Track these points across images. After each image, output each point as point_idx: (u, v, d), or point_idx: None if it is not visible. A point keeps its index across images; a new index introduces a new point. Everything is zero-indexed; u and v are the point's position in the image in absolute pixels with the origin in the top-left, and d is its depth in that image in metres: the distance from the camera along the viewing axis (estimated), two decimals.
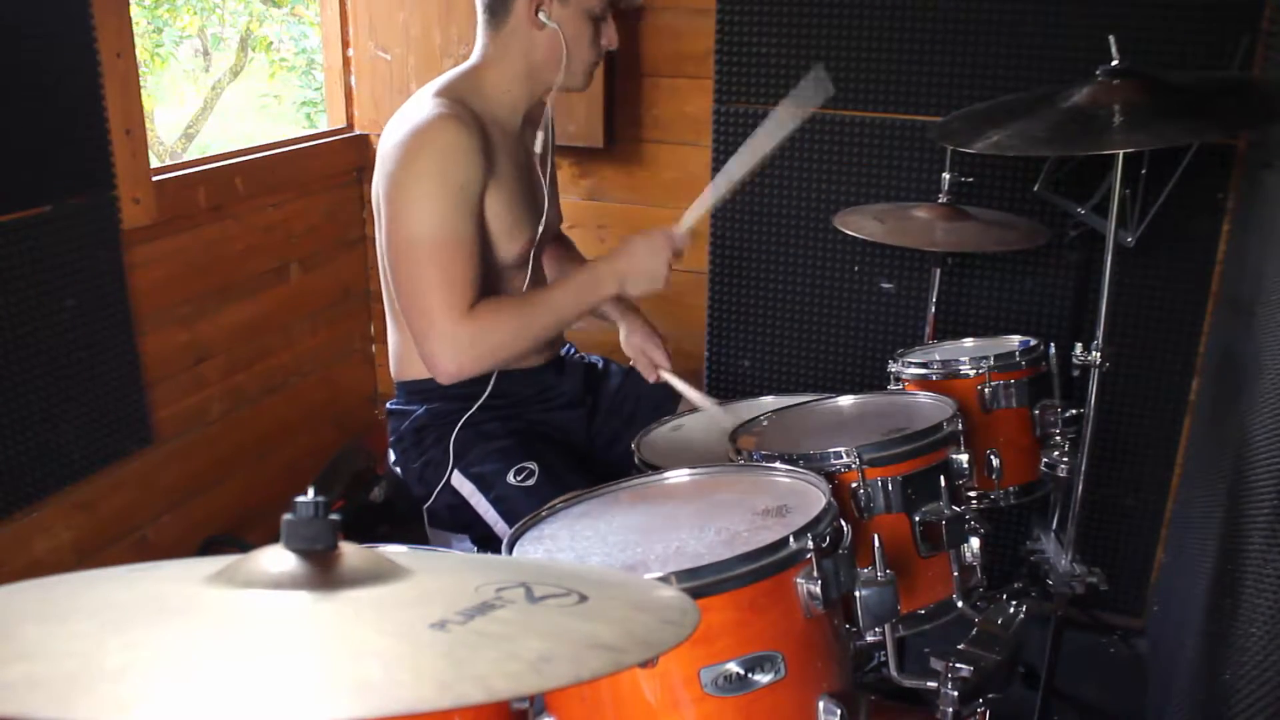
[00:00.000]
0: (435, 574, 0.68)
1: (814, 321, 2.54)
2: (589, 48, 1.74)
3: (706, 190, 1.81)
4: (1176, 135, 1.65)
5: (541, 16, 1.68)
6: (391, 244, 1.65)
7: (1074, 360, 1.71)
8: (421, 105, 1.66)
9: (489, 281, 1.70)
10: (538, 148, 1.85)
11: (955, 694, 1.13)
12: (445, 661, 0.53)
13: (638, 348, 1.98)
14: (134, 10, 2.16)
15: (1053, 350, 1.76)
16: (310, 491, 0.64)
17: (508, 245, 1.75)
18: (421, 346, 1.64)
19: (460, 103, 1.67)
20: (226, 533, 2.47)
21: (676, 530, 1.10)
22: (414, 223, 1.61)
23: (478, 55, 1.76)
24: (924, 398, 1.56)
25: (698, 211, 1.78)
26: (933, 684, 1.15)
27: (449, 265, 1.60)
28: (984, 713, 1.20)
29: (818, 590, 0.98)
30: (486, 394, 1.79)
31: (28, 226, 1.88)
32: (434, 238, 1.60)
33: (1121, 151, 1.63)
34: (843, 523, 1.08)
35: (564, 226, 2.08)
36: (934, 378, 1.69)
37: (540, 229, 1.83)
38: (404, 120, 1.66)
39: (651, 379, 1.97)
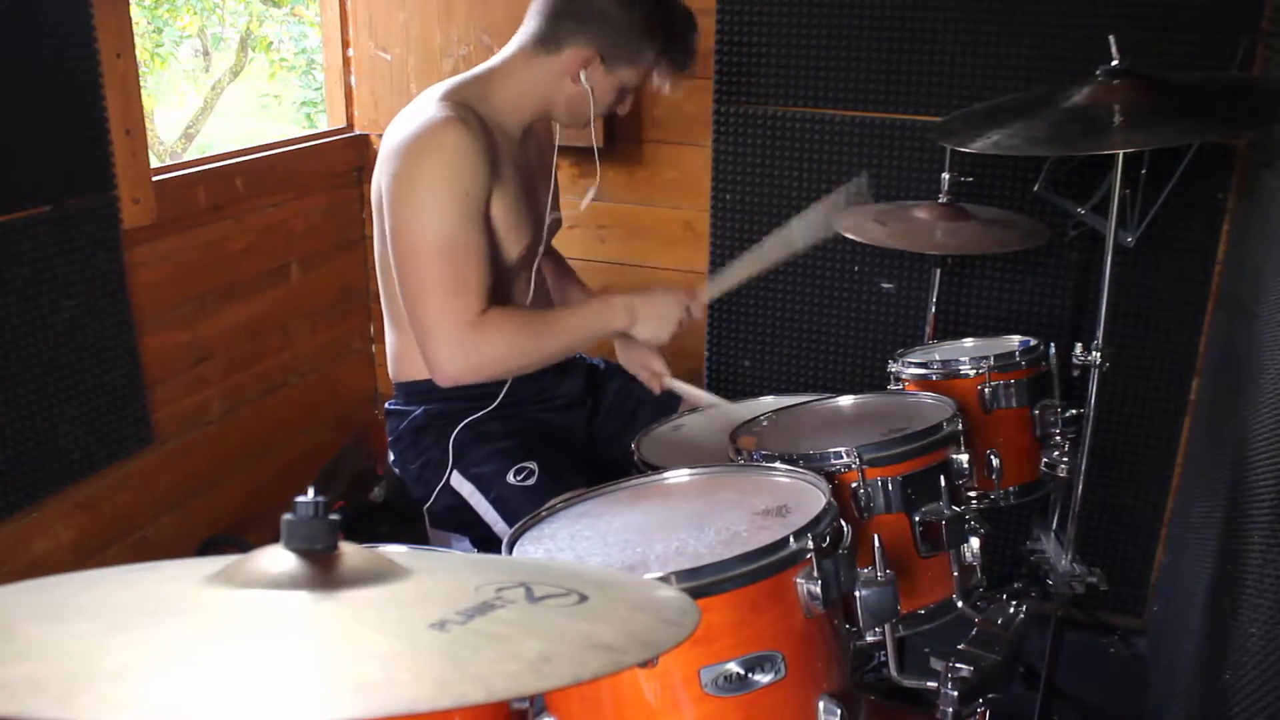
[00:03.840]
0: (435, 574, 0.68)
1: (814, 321, 2.54)
2: (606, 110, 1.78)
3: (733, 267, 1.89)
4: (1176, 135, 1.65)
5: (582, 76, 1.69)
6: (397, 247, 1.65)
7: (1074, 360, 1.70)
8: (427, 108, 1.65)
9: (494, 285, 1.71)
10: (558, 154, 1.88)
11: (955, 694, 1.13)
12: (445, 661, 0.53)
13: (636, 360, 1.98)
14: (134, 10, 2.16)
15: (1053, 350, 1.76)
16: (310, 491, 0.64)
17: (509, 249, 1.75)
18: (424, 348, 1.64)
19: (465, 106, 1.66)
20: (226, 533, 2.47)
21: (676, 530, 1.10)
22: (420, 226, 1.60)
23: (500, 62, 1.75)
24: (924, 398, 1.56)
25: (722, 285, 1.87)
26: (933, 684, 1.15)
27: (455, 269, 1.60)
28: (984, 713, 1.21)
29: (818, 590, 0.97)
30: (499, 401, 1.80)
31: (28, 226, 1.88)
32: (440, 241, 1.60)
33: (1121, 151, 1.62)
34: (843, 523, 1.08)
35: (564, 227, 2.08)
36: (934, 378, 1.69)
37: (544, 233, 1.83)
38: (408, 122, 1.65)
39: (656, 389, 1.98)
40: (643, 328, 1.75)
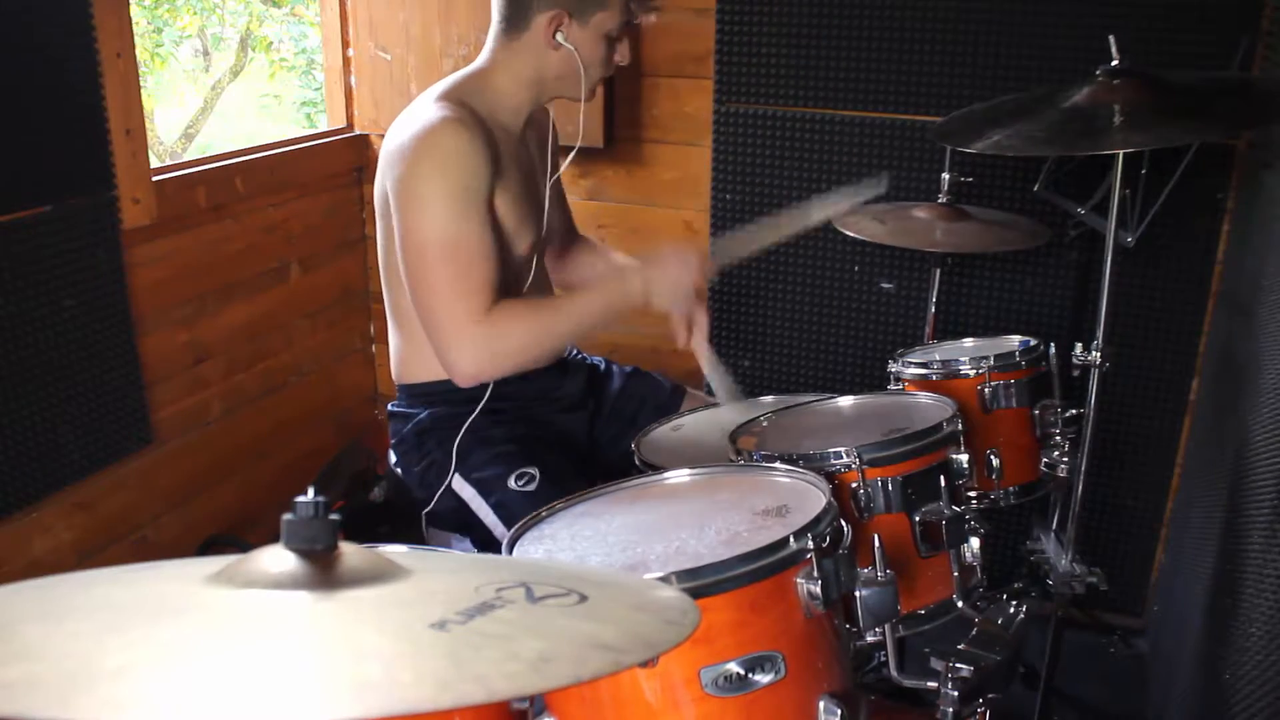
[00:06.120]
0: (435, 574, 0.68)
1: (814, 321, 2.54)
2: (601, 66, 1.75)
3: (741, 237, 1.87)
4: (1176, 135, 1.65)
5: (559, 38, 1.68)
6: (405, 250, 1.65)
7: (1074, 360, 1.71)
8: (426, 109, 1.66)
9: (502, 281, 1.70)
10: (565, 163, 1.87)
11: (955, 694, 1.13)
12: (445, 661, 0.53)
13: (683, 293, 1.69)
14: (134, 10, 2.16)
15: (1053, 350, 1.76)
16: (310, 491, 0.63)
17: (517, 244, 1.75)
18: (440, 350, 1.64)
19: (464, 105, 1.67)
20: (226, 533, 2.47)
21: (676, 530, 1.10)
22: (425, 227, 1.60)
23: (486, 58, 1.75)
24: (924, 398, 1.56)
25: (731, 254, 1.84)
26: (933, 684, 1.15)
27: (462, 268, 1.60)
28: (984, 713, 1.21)
29: (818, 590, 0.97)
30: (485, 399, 1.79)
31: (28, 226, 1.88)
32: (445, 241, 1.59)
33: (1121, 151, 1.63)
34: (843, 523, 1.08)
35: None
36: (934, 378, 1.69)
37: (543, 230, 1.83)
38: (408, 124, 1.65)
39: (682, 343, 1.73)
40: (659, 297, 1.69)
